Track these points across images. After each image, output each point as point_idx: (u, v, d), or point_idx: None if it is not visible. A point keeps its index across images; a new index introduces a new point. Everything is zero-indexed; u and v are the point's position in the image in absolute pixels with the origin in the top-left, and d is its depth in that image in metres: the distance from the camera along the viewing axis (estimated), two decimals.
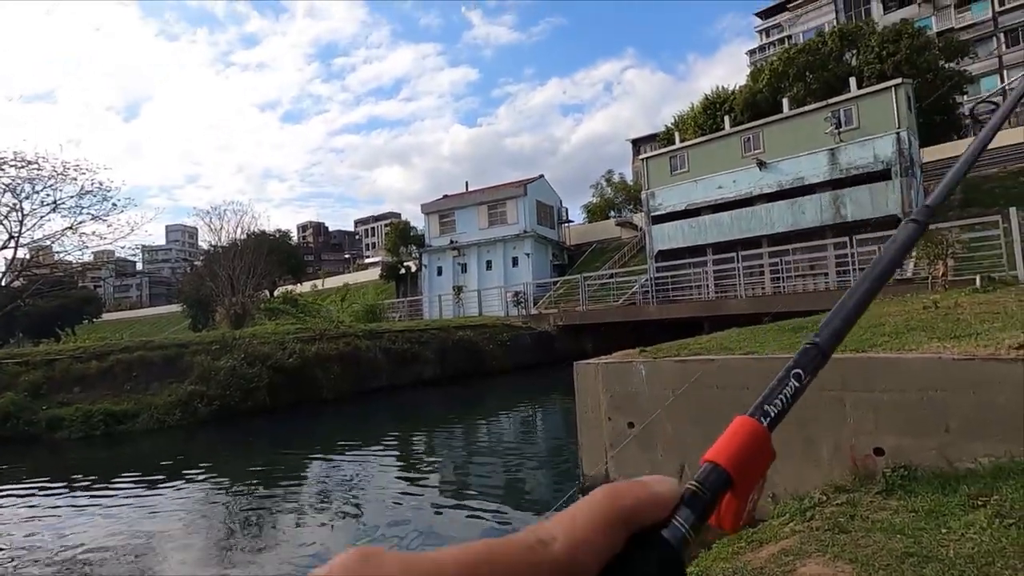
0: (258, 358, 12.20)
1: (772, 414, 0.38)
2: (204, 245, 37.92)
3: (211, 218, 27.46)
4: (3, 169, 12.63)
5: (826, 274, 17.75)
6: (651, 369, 4.81)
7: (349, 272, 57.65)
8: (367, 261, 66.35)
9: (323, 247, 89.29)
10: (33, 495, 7.51)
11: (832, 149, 19.03)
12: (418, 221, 38.98)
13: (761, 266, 19.08)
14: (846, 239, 15.40)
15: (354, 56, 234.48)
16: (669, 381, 4.69)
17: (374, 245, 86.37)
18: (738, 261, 16.92)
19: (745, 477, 0.36)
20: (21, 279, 14.57)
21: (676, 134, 28.65)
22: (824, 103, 19.92)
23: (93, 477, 8.11)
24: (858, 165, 18.36)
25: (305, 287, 39.75)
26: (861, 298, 0.45)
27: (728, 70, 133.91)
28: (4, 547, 5.65)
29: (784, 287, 17.13)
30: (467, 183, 37.20)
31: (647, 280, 20.30)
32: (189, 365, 11.92)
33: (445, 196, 36.11)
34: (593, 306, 20.66)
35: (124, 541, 5.56)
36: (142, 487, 7.51)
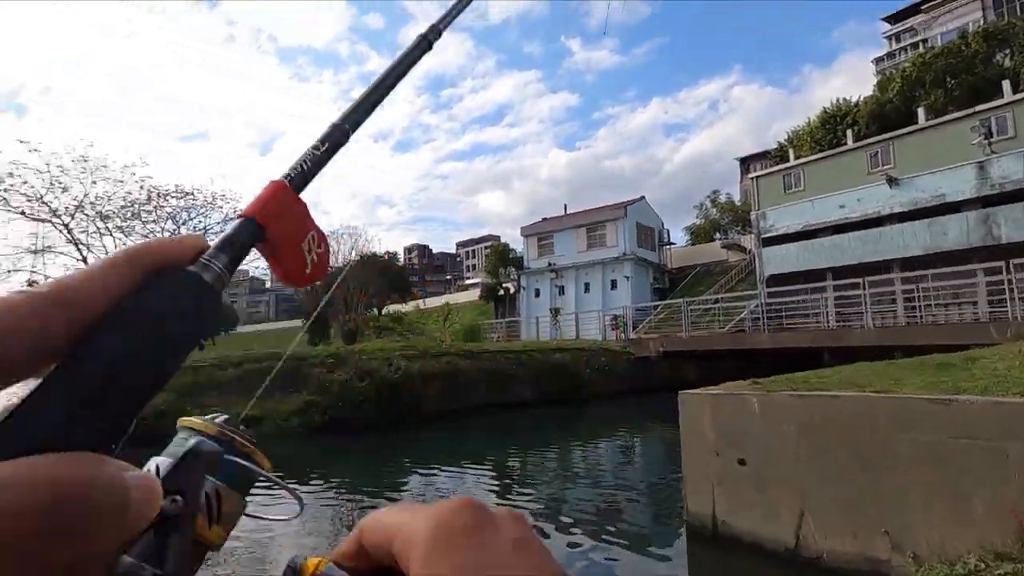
0: (367, 373, 12.96)
1: (293, 175, 0.44)
2: None
3: (330, 241, 29.89)
4: (167, 200, 14.65)
5: (974, 303, 15.58)
6: (766, 403, 4.46)
7: (450, 292, 59.92)
8: (467, 282, 68.57)
9: (427, 268, 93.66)
10: None
11: (981, 162, 16.84)
12: (517, 244, 39.74)
13: (892, 293, 17.16)
14: (1001, 263, 13.43)
15: (461, 87, 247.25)
16: (786, 417, 4.32)
17: (474, 267, 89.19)
18: (864, 287, 15.35)
19: (280, 229, 0.39)
20: None
21: (790, 151, 26.90)
22: (971, 111, 17.76)
23: None
24: (1015, 179, 16.08)
25: (410, 307, 41.80)
26: None
27: (847, 80, 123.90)
28: None
29: (921, 317, 15.25)
30: (565, 206, 37.38)
31: (757, 306, 19.02)
32: (307, 377, 12.93)
33: (544, 219, 36.53)
34: (697, 332, 19.70)
35: (251, 532, 6.07)
36: (265, 485, 8.18)
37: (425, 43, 0.66)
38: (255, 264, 18.58)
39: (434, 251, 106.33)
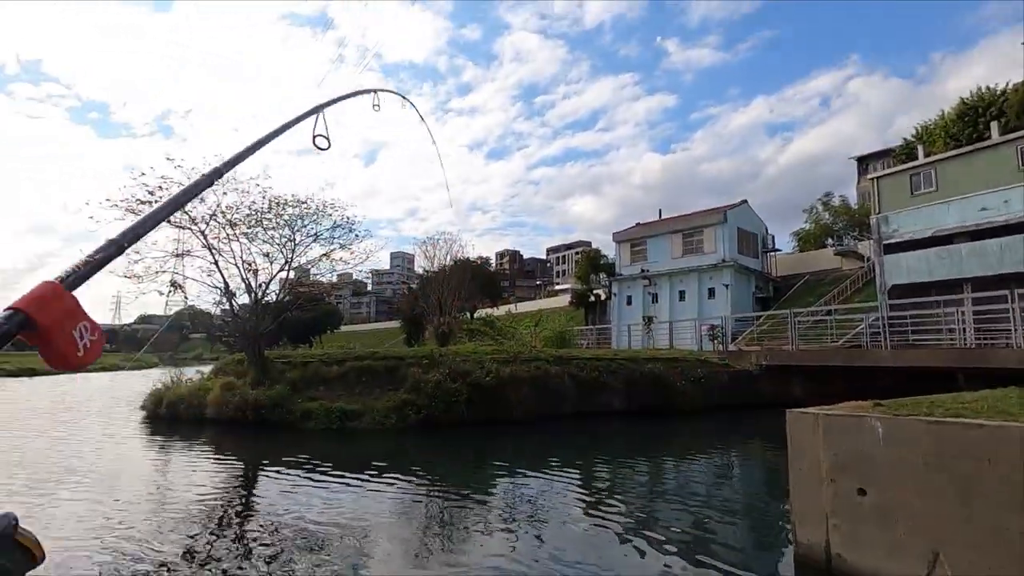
0: (460, 374, 13.31)
1: (66, 276, 0.54)
2: (419, 270, 43.26)
3: (426, 246, 31.23)
4: (285, 208, 15.98)
5: None
6: (891, 428, 3.99)
7: (540, 298, 60.19)
8: (557, 288, 68.55)
9: (517, 273, 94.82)
10: (289, 472, 9.18)
11: None
12: (608, 249, 39.15)
13: None
14: None
15: (554, 93, 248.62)
16: (917, 445, 3.84)
17: (564, 272, 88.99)
18: (1013, 300, 13.40)
19: (46, 319, 0.50)
20: (289, 296, 18.10)
21: (919, 148, 24.21)
22: None
23: (327, 464, 9.59)
24: None
25: (501, 311, 42.51)
26: None
27: (989, 68, 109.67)
28: (268, 511, 6.98)
29: None
30: (660, 211, 36.24)
31: (877, 319, 17.23)
32: (404, 376, 13.52)
33: (637, 224, 35.68)
34: (805, 346, 18.22)
35: (347, 521, 6.42)
36: (363, 477, 8.63)
37: (212, 178, 0.92)
38: (358, 268, 19.80)
39: (524, 256, 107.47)
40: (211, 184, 0.94)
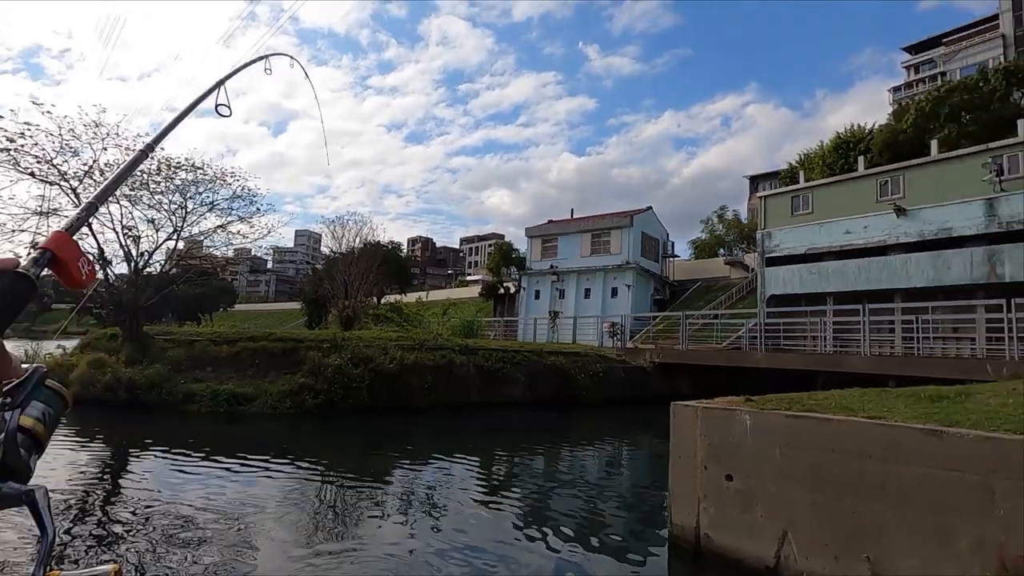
0: (362, 360, 12.97)
1: (68, 228, 0.80)
2: (325, 250, 41.42)
3: (335, 226, 29.97)
4: (177, 173, 14.64)
5: (973, 339, 15.58)
6: (757, 421, 4.46)
7: (451, 287, 59.94)
8: (468, 278, 68.56)
9: (429, 261, 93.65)
10: (166, 457, 8.49)
11: (991, 199, 16.85)
12: (520, 243, 39.78)
13: (892, 322, 17.18)
14: (1002, 301, 13.43)
15: (478, 83, 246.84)
16: (777, 437, 4.33)
17: (476, 263, 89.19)
18: (864, 314, 15.34)
19: (64, 256, 0.76)
20: (177, 268, 16.65)
21: (801, 173, 26.89)
22: (983, 147, 17.75)
23: (208, 449, 8.99)
24: (1023, 219, 16.08)
25: (411, 298, 41.80)
26: None
27: (860, 108, 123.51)
28: (141, 499, 6.42)
29: (919, 349, 15.23)
30: (572, 210, 37.39)
31: (755, 325, 19.02)
32: (302, 359, 12.94)
33: (550, 221, 36.53)
34: (694, 346, 19.71)
35: (231, 508, 6.09)
36: (252, 463, 8.20)
37: (143, 154, 1.11)
38: (258, 244, 18.59)
39: (437, 244, 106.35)
40: (152, 151, 1.18)
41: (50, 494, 0.71)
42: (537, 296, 32.62)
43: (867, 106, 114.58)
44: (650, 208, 33.79)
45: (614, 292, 29.72)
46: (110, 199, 13.85)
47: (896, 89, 49.66)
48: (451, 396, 14.08)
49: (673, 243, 35.17)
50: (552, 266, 31.92)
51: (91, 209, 0.89)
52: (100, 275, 14.51)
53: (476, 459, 9.71)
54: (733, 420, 4.62)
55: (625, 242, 30.25)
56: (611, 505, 7.33)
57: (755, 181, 46.14)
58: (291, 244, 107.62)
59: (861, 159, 23.61)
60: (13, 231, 13.22)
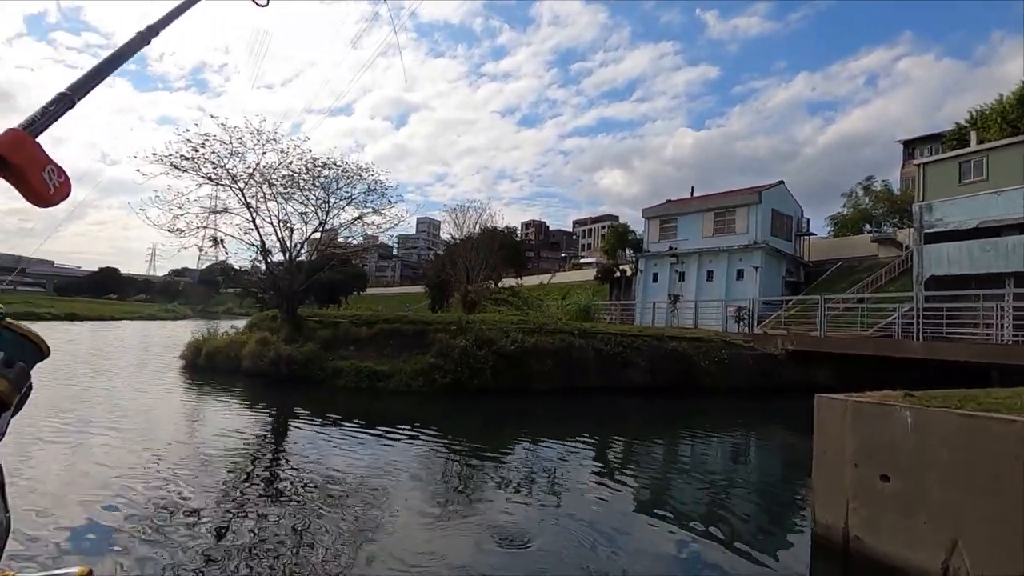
0: (485, 342, 13.57)
1: (28, 125, 0.63)
2: (445, 236, 43.48)
3: (457, 214, 31.40)
4: (321, 171, 16.24)
5: None
6: (922, 419, 4.04)
7: (564, 270, 60.09)
8: (582, 261, 68.21)
9: (542, 245, 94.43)
10: (319, 427, 9.62)
11: None
12: (635, 224, 38.77)
13: None
14: None
15: (591, 60, 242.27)
16: (946, 437, 3.89)
17: (589, 246, 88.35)
18: None
19: (17, 159, 0.58)
20: (321, 256, 18.51)
21: (972, 134, 23.15)
22: None
23: (355, 419, 10.01)
24: None
25: (532, 281, 42.69)
26: None
27: None
28: (291, 463, 7.38)
29: None
30: (692, 188, 35.65)
31: (911, 310, 16.88)
32: (432, 341, 13.85)
33: (668, 201, 35.15)
34: (834, 333, 17.99)
35: (371, 474, 6.76)
36: (388, 436, 9.00)
37: (142, 39, 0.89)
38: (388, 233, 20.04)
39: (550, 228, 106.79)
40: (147, 43, 0.92)
41: (4, 469, 0.61)
42: (655, 279, 31.64)
43: None
44: (781, 183, 31.13)
45: (740, 274, 27.94)
46: (269, 196, 15.78)
47: None
48: (570, 379, 14.26)
49: (808, 220, 32.16)
50: (671, 247, 30.70)
51: (63, 101, 0.69)
52: (262, 265, 16.56)
53: (595, 442, 9.80)
54: (891, 416, 4.22)
55: (752, 220, 28.22)
56: (741, 498, 7.04)
57: (910, 146, 40.39)
58: (413, 231, 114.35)
59: None
60: (198, 228, 15.56)
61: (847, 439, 4.51)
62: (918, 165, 22.02)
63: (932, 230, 19.61)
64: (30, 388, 0.64)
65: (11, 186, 0.60)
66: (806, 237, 31.89)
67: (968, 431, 3.80)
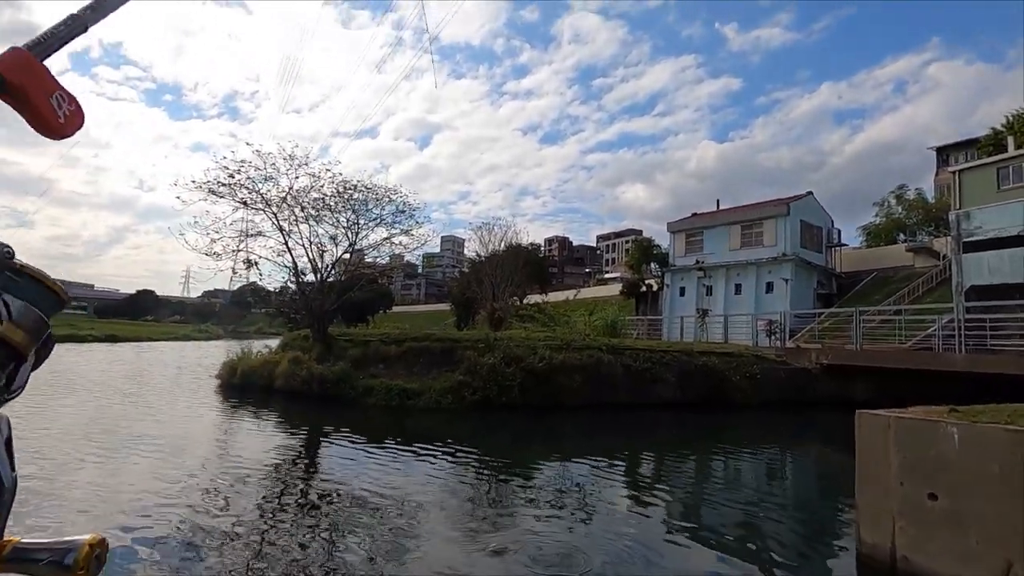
0: (513, 359, 13.61)
1: (33, 45, 0.54)
2: (470, 254, 43.90)
3: (482, 232, 31.75)
4: (351, 193, 16.66)
5: None
6: (970, 435, 3.94)
7: (589, 286, 59.86)
8: (606, 276, 67.87)
9: (566, 260, 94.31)
10: (351, 444, 9.75)
11: None
12: (659, 238, 38.50)
13: None
14: None
15: (612, 76, 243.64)
16: (996, 453, 3.78)
17: (613, 261, 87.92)
18: None
19: (21, 80, 0.51)
20: (349, 276, 18.86)
21: (1010, 139, 22.53)
22: None
23: (384, 437, 10.12)
24: None
25: (557, 297, 42.65)
26: None
27: None
28: (325, 480, 7.50)
29: None
30: (718, 201, 35.31)
31: (951, 321, 16.34)
32: (460, 358, 13.94)
33: (694, 214, 34.89)
34: (870, 345, 17.52)
35: (402, 492, 6.80)
36: (419, 452, 9.06)
37: None
38: (415, 253, 20.36)
39: (574, 243, 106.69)
40: None
41: (13, 429, 0.53)
42: (682, 293, 31.30)
43: None
44: (810, 193, 30.64)
45: (769, 287, 27.46)
46: (301, 219, 16.23)
47: None
48: (599, 395, 14.16)
49: (839, 231, 31.51)
50: (698, 261, 30.38)
51: (74, 24, 0.60)
52: (294, 286, 16.96)
53: (625, 459, 9.70)
54: (936, 433, 4.12)
55: (781, 232, 27.79)
56: (779, 516, 6.87)
57: (944, 153, 39.38)
58: (438, 249, 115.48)
59: None
60: (234, 251, 16.08)
61: (891, 456, 4.41)
62: (953, 172, 21.47)
63: (971, 239, 19.02)
64: (51, 340, 0.58)
65: (16, 110, 0.54)
66: (837, 248, 31.22)
67: (1020, 447, 3.69)
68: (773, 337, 20.55)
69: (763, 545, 5.54)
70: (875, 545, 4.44)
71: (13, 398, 0.53)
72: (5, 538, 0.38)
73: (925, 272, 25.52)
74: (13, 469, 0.44)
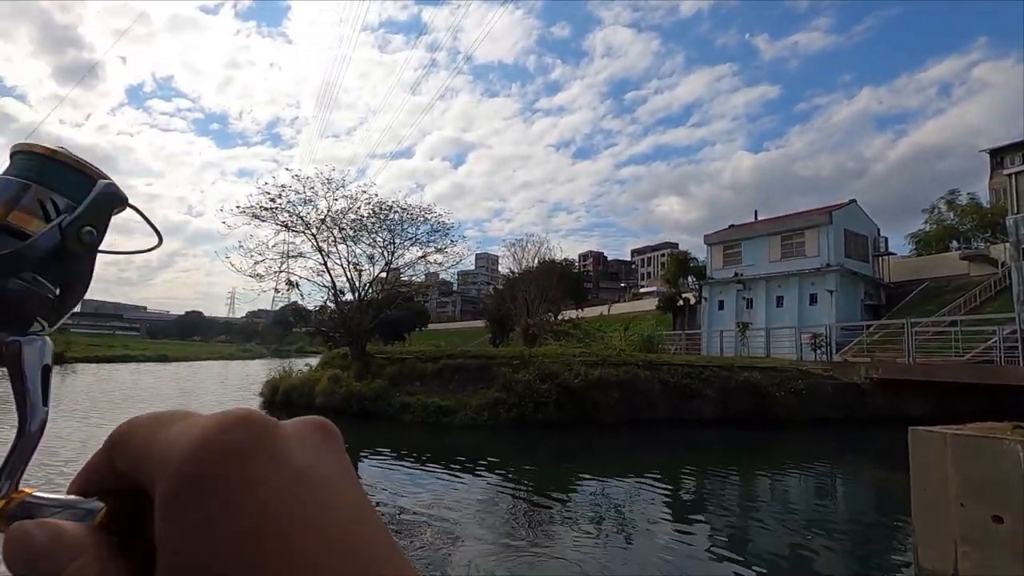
0: (548, 375, 13.53)
1: None
2: (504, 271, 44.09)
3: (516, 248, 31.91)
4: (387, 214, 17.05)
5: None
6: None
7: (625, 300, 59.17)
8: (642, 291, 67.00)
9: (601, 275, 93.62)
10: (390, 460, 9.84)
11: None
12: (695, 251, 37.86)
13: None
14: None
15: (645, 88, 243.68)
16: None
17: (649, 275, 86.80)
18: None
19: None
20: (386, 295, 19.19)
21: None
22: None
23: (423, 454, 10.18)
24: None
25: (592, 312, 42.34)
26: None
27: None
28: (370, 491, 7.56)
29: None
30: (756, 212, 34.52)
31: (1013, 332, 15.43)
32: (495, 375, 13.96)
33: (731, 226, 34.23)
34: (924, 359, 16.68)
35: (440, 509, 6.81)
36: (456, 470, 9.07)
37: None
38: (449, 271, 20.63)
39: (609, 258, 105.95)
40: None
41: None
42: (721, 307, 30.58)
43: None
44: (853, 201, 29.65)
45: (813, 299, 26.55)
46: (339, 240, 16.71)
47: None
48: (637, 412, 13.91)
49: (886, 239, 30.31)
50: (736, 274, 29.70)
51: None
52: (333, 305, 17.35)
53: (665, 477, 9.45)
54: (1000, 451, 3.88)
55: (824, 242, 26.92)
56: (831, 538, 6.55)
57: (998, 155, 37.52)
58: (472, 267, 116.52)
59: None
60: (276, 272, 16.63)
61: (950, 476, 4.17)
62: (1010, 175, 20.43)
63: None
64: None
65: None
66: (885, 257, 30.02)
67: None
68: (819, 351, 19.81)
69: (818, 570, 5.30)
70: (935, 571, 4.18)
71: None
72: (19, 489, 0.29)
73: (982, 281, 24.23)
74: (46, 404, 0.34)
